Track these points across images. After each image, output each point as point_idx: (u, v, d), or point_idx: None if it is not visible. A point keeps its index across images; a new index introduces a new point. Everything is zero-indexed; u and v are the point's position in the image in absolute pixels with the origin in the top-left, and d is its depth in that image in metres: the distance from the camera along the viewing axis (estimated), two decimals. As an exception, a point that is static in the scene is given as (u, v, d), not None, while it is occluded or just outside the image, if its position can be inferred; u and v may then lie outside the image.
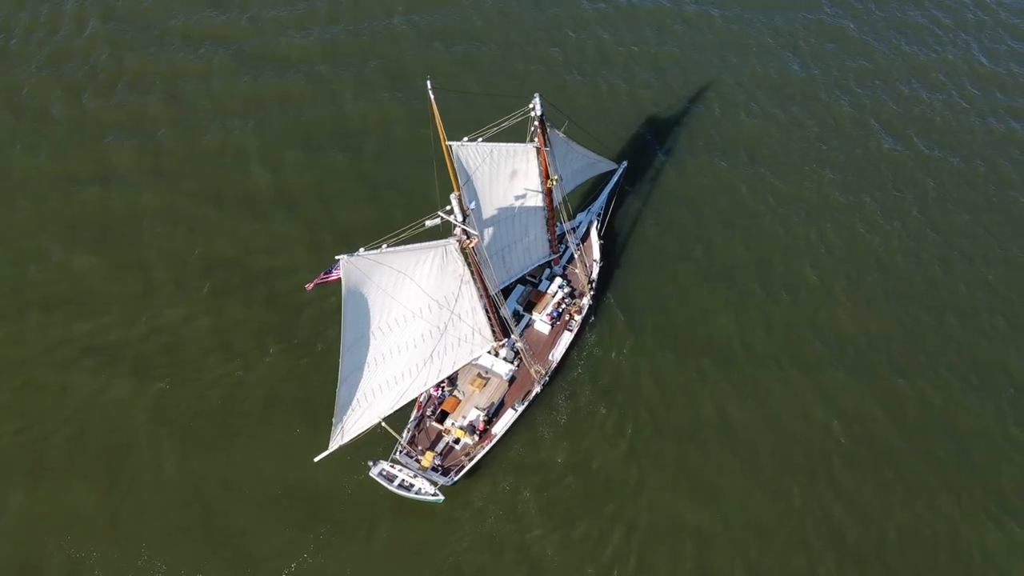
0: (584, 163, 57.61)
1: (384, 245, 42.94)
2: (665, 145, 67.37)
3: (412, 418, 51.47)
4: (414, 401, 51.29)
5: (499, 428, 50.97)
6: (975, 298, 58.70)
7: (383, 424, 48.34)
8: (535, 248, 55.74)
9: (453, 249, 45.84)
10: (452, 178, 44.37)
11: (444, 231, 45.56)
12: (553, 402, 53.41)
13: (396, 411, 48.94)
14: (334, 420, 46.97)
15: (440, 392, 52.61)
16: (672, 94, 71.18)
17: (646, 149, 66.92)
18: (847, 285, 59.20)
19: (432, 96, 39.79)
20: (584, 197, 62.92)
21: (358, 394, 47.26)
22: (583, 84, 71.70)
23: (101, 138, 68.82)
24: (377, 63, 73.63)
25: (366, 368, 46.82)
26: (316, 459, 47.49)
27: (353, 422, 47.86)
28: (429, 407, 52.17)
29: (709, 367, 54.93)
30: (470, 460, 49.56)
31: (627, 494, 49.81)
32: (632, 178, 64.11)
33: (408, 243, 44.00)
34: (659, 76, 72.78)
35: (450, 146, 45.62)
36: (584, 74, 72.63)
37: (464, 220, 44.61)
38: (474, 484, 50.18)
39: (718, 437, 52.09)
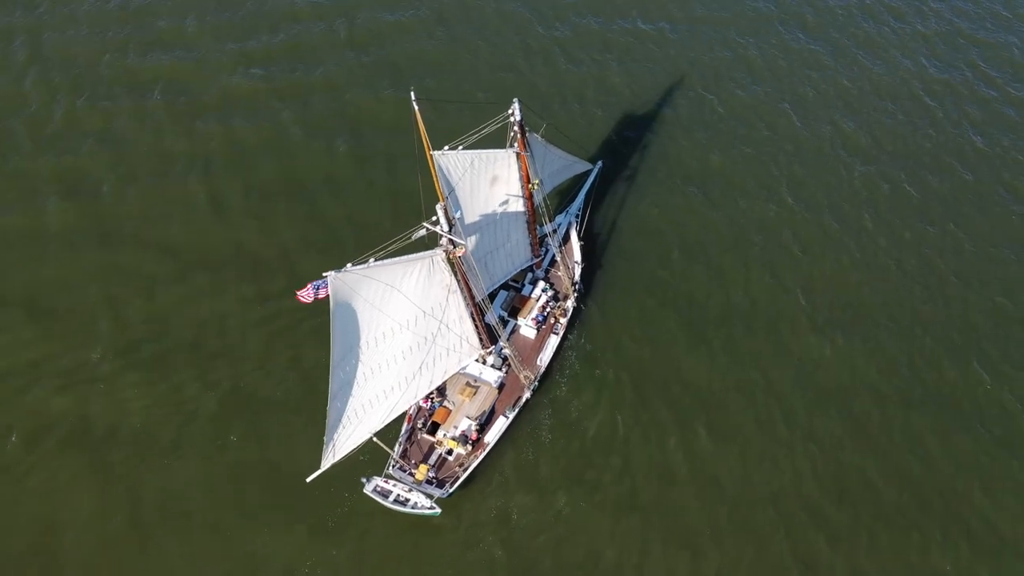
0: (561, 165, 57.47)
1: (371, 259, 42.27)
2: (625, 161, 66.61)
3: (403, 431, 50.81)
4: (404, 414, 50.64)
5: (491, 436, 50.58)
6: (939, 310, 58.12)
7: (374, 439, 47.66)
8: (517, 253, 55.44)
9: (440, 260, 45.33)
10: (437, 188, 43.84)
11: (430, 242, 45.08)
12: (536, 420, 52.66)
13: (386, 425, 48.17)
14: (325, 438, 46.17)
15: (430, 403, 52.03)
16: (629, 110, 70.20)
17: (608, 160, 66.05)
18: (812, 299, 58.64)
19: (416, 107, 39.26)
20: (561, 198, 62.75)
21: (348, 410, 46.49)
22: (539, 106, 69.16)
23: (33, 191, 64.33)
24: (324, 100, 70.75)
25: (355, 383, 46.08)
26: (308, 479, 46.50)
27: (344, 439, 47.08)
28: (419, 419, 51.58)
29: (680, 392, 54.05)
30: (464, 470, 49.08)
31: (604, 533, 48.41)
32: (601, 183, 63.20)
33: (395, 255, 43.40)
34: (614, 93, 71.65)
35: (432, 155, 45.09)
36: (539, 96, 70.86)
37: (450, 230, 44.12)
38: (463, 504, 49.30)
39: (690, 467, 51.09)
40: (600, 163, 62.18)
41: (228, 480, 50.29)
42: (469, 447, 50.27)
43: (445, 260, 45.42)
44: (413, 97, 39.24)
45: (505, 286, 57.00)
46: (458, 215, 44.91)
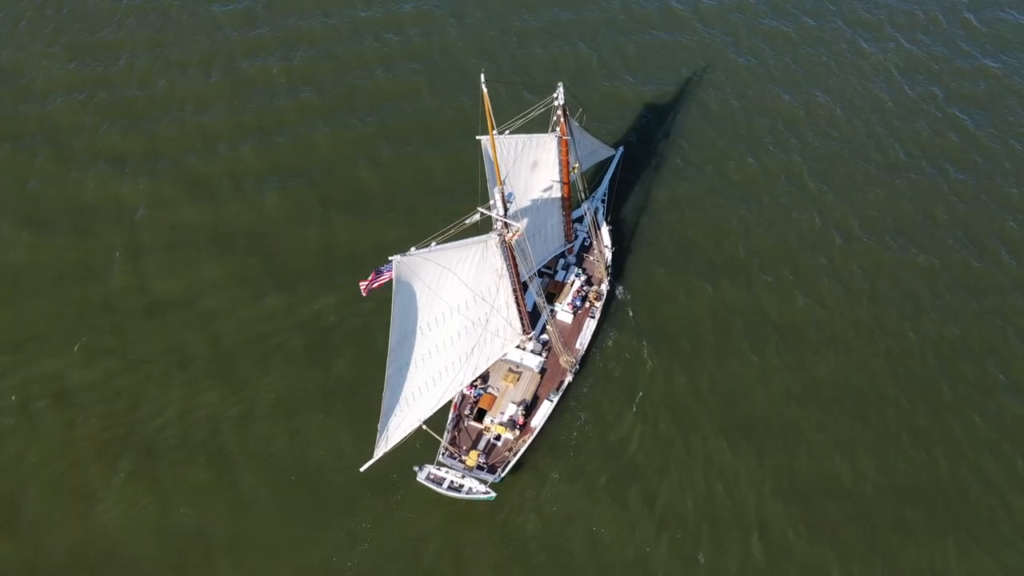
0: (589, 150, 57.84)
1: (433, 243, 42.28)
2: (643, 147, 67.08)
3: (450, 419, 50.77)
4: (449, 402, 50.62)
5: (537, 421, 50.81)
6: (925, 355, 55.70)
7: (424, 427, 47.64)
8: (552, 238, 55.72)
9: (493, 244, 45.42)
10: (497, 171, 43.96)
11: (482, 228, 45.15)
12: (579, 402, 52.99)
13: (432, 414, 48.19)
14: (379, 427, 46.01)
15: (474, 391, 52.04)
16: (641, 99, 70.16)
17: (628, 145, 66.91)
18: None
19: (485, 89, 39.33)
20: (585, 184, 62.80)
21: (401, 398, 46.40)
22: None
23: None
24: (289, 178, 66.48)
25: (409, 370, 46.03)
26: (362, 469, 46.34)
27: (395, 427, 46.98)
28: (465, 407, 51.55)
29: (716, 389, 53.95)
30: (514, 455, 49.27)
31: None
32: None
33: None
34: (623, 80, 71.70)
35: (481, 140, 45.26)
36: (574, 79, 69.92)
37: (505, 213, 44.25)
38: (514, 487, 49.58)
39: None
40: (622, 148, 62.79)
41: (277, 483, 49.99)
42: (517, 432, 50.45)
43: (498, 244, 45.50)
44: (483, 79, 39.22)
45: (538, 273, 57.15)
46: (512, 200, 45.00)
